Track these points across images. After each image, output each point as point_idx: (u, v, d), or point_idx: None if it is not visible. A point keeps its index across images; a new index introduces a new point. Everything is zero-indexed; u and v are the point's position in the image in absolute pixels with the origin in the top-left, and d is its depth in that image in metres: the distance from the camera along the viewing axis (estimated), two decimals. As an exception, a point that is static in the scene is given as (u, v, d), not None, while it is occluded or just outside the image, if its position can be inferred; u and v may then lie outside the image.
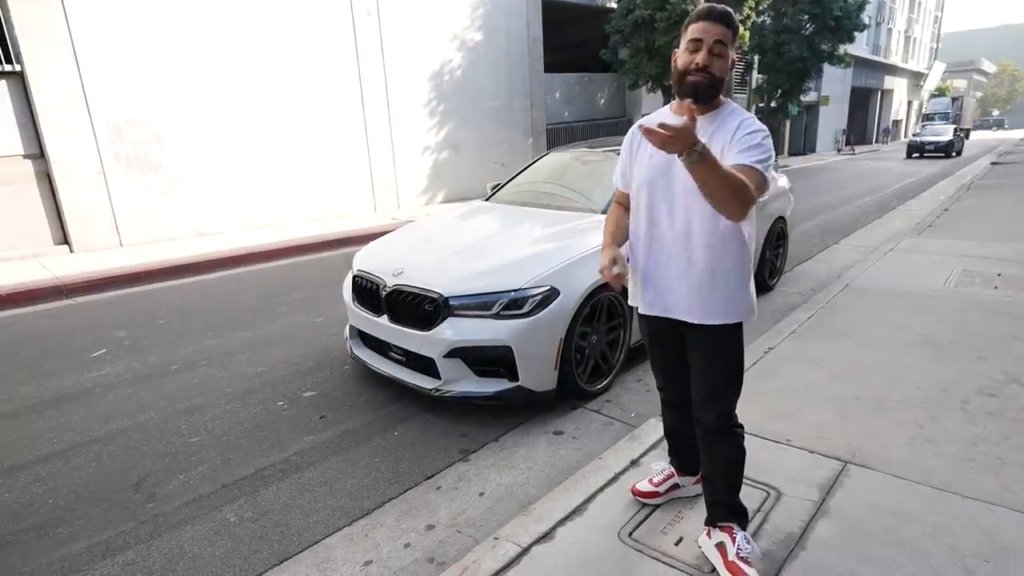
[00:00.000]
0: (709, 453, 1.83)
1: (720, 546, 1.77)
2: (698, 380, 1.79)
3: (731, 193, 1.41)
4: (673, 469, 2.12)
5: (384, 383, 3.42)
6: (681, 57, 1.63)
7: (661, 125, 1.27)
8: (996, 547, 1.82)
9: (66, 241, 7.99)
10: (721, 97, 1.68)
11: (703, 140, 1.48)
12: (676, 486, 2.11)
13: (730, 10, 1.61)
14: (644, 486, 2.13)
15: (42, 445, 2.95)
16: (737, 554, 1.72)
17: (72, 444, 2.95)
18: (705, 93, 1.61)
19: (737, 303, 1.72)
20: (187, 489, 2.53)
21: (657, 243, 1.74)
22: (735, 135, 1.60)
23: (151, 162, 8.53)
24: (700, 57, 1.58)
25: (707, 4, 1.64)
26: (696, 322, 1.72)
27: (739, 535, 1.76)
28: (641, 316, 1.89)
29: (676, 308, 1.74)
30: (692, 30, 1.60)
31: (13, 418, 3.28)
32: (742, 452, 1.82)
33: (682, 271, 1.71)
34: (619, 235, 1.91)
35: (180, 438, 2.97)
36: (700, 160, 1.33)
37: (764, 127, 1.63)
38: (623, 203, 1.94)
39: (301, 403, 3.29)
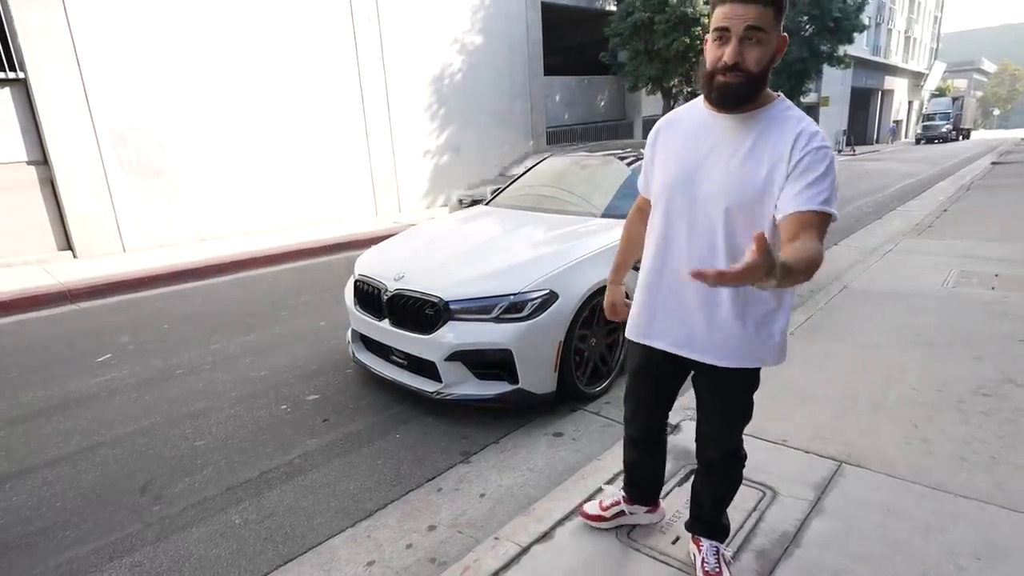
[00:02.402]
0: (707, 482, 1.76)
1: (694, 558, 1.79)
2: (708, 420, 1.65)
3: (808, 275, 1.12)
4: (624, 496, 1.99)
5: (386, 386, 3.46)
6: (708, 52, 1.32)
7: (729, 270, 0.96)
8: (988, 545, 1.85)
9: (70, 247, 8.05)
10: (769, 91, 1.36)
11: (735, 148, 1.32)
12: (622, 512, 1.98)
13: None
14: (592, 508, 2.03)
15: (49, 449, 3.00)
16: (703, 566, 1.74)
17: (79, 448, 2.99)
18: (736, 97, 1.31)
19: (763, 347, 1.45)
20: (192, 492, 2.57)
21: (670, 267, 1.49)
22: (794, 153, 1.27)
23: (153, 168, 8.60)
24: (728, 52, 1.26)
25: None
26: (715, 364, 1.48)
27: (706, 548, 1.76)
28: (632, 344, 1.66)
29: (690, 345, 1.50)
30: (716, 16, 1.28)
31: (20, 423, 3.32)
32: (739, 481, 1.74)
33: (701, 303, 1.45)
34: (630, 257, 1.74)
35: (185, 441, 3.01)
36: (784, 276, 1.02)
37: (825, 137, 1.31)
38: (644, 209, 1.67)
39: (304, 406, 3.33)
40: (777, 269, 0.99)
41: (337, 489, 2.53)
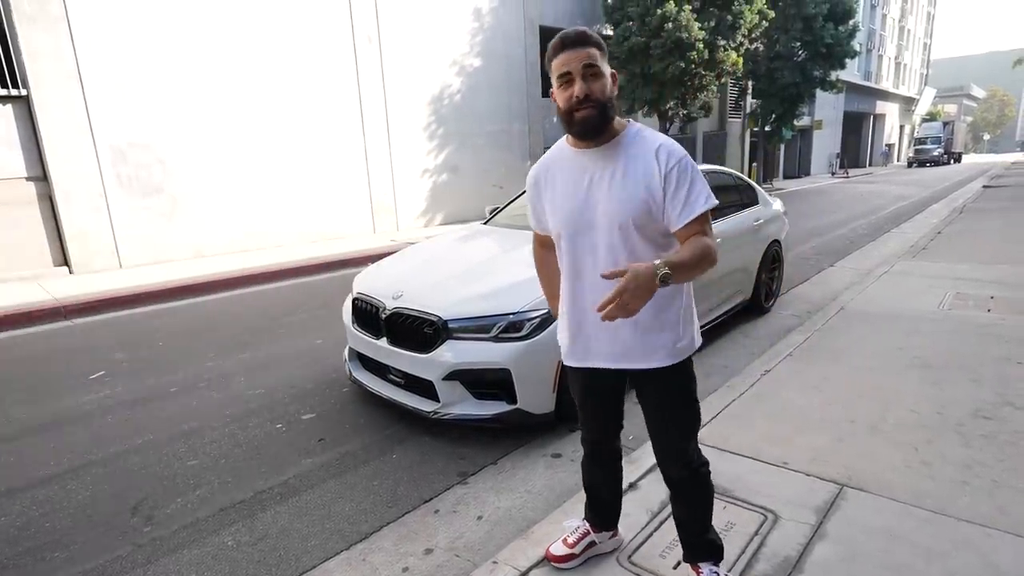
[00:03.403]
0: (679, 501, 1.79)
1: None
2: (657, 433, 1.71)
3: (703, 268, 1.40)
4: (588, 526, 1.97)
5: (383, 405, 3.43)
6: (558, 98, 1.48)
7: (615, 295, 1.25)
8: (991, 570, 1.83)
9: (66, 262, 8.03)
10: (617, 120, 1.53)
11: (611, 174, 1.47)
12: (593, 543, 1.96)
13: (585, 29, 1.46)
14: (559, 549, 1.95)
15: (39, 468, 2.95)
16: None
17: (70, 467, 2.94)
18: (596, 125, 1.47)
19: (680, 340, 1.61)
20: (185, 513, 2.52)
21: (585, 293, 1.61)
22: (660, 167, 1.47)
23: (153, 185, 8.62)
24: (577, 88, 1.43)
25: (558, 35, 1.46)
26: (640, 367, 1.62)
27: (706, 573, 1.76)
28: (573, 370, 1.75)
29: (625, 357, 1.62)
30: (556, 66, 1.45)
31: (11, 441, 3.27)
32: (710, 489, 1.76)
33: (619, 321, 1.50)
34: (555, 286, 1.78)
35: (178, 461, 2.96)
36: (672, 274, 1.29)
37: (679, 147, 1.52)
38: (546, 244, 1.81)
39: (300, 425, 3.30)
40: (659, 273, 1.26)
41: (332, 510, 2.49)
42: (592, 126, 1.47)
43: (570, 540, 1.97)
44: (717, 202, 1.51)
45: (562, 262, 1.66)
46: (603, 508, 1.97)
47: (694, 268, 1.39)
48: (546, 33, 14.36)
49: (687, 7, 13.70)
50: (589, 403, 1.81)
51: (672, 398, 1.67)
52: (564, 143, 1.63)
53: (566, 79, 1.45)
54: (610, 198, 1.51)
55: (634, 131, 1.54)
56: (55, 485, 2.78)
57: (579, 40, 1.43)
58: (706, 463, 1.75)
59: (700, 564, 1.79)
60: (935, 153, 36.95)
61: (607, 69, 1.48)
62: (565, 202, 1.58)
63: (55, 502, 2.64)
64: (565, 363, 1.77)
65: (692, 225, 1.48)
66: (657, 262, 1.30)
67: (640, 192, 1.48)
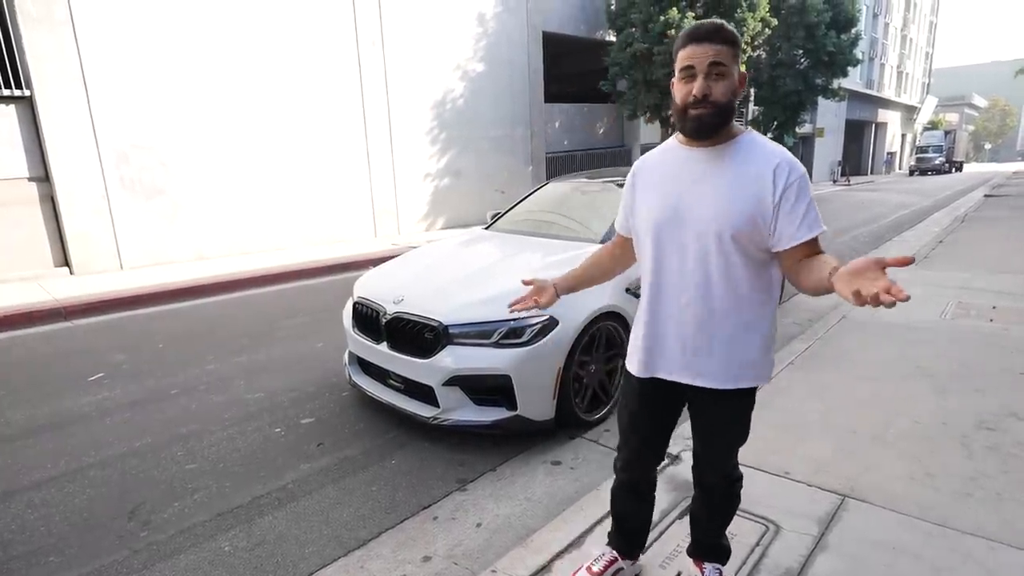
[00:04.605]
0: (703, 503, 1.78)
1: None
2: (707, 445, 1.68)
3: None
4: (616, 553, 1.88)
5: (382, 410, 3.42)
6: (676, 90, 1.42)
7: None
8: (997, 585, 1.81)
9: (67, 263, 8.03)
10: (736, 125, 1.46)
11: (717, 177, 1.41)
12: (621, 570, 1.87)
13: (722, 23, 1.37)
14: None
15: (36, 470, 2.93)
16: None
17: (66, 470, 2.93)
18: (711, 125, 1.39)
19: (759, 366, 1.52)
20: (182, 517, 2.51)
21: (666, 297, 1.53)
22: (777, 183, 1.37)
23: (155, 186, 8.63)
24: (697, 86, 1.36)
25: (694, 23, 1.41)
26: (710, 387, 1.52)
27: (709, 571, 1.77)
28: (631, 378, 1.66)
29: (686, 371, 1.53)
30: (681, 58, 1.39)
31: (8, 442, 3.26)
32: (737, 501, 1.76)
33: (697, 330, 1.49)
34: (587, 274, 1.79)
35: (176, 465, 2.95)
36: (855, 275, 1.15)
37: (799, 163, 1.42)
38: (614, 248, 1.78)
39: (299, 430, 3.28)
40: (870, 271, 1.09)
41: (330, 516, 2.48)
42: (706, 127, 1.39)
43: (595, 568, 1.85)
44: (826, 229, 1.41)
45: (644, 263, 1.57)
46: (631, 534, 1.89)
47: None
48: (549, 39, 14.40)
49: (690, 14, 13.75)
50: (641, 416, 1.68)
51: (731, 417, 1.60)
52: (674, 140, 1.54)
53: (688, 73, 1.37)
54: (711, 203, 1.42)
55: (749, 138, 1.45)
56: (52, 488, 2.76)
57: (711, 34, 1.34)
58: (741, 477, 1.75)
59: (705, 563, 1.80)
60: (937, 162, 36.92)
61: (736, 69, 1.38)
62: (660, 200, 1.50)
63: (51, 505, 2.62)
64: (628, 369, 1.67)
65: (813, 244, 1.38)
66: (836, 266, 1.20)
67: (749, 203, 1.38)
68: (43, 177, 7.78)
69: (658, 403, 1.65)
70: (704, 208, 1.42)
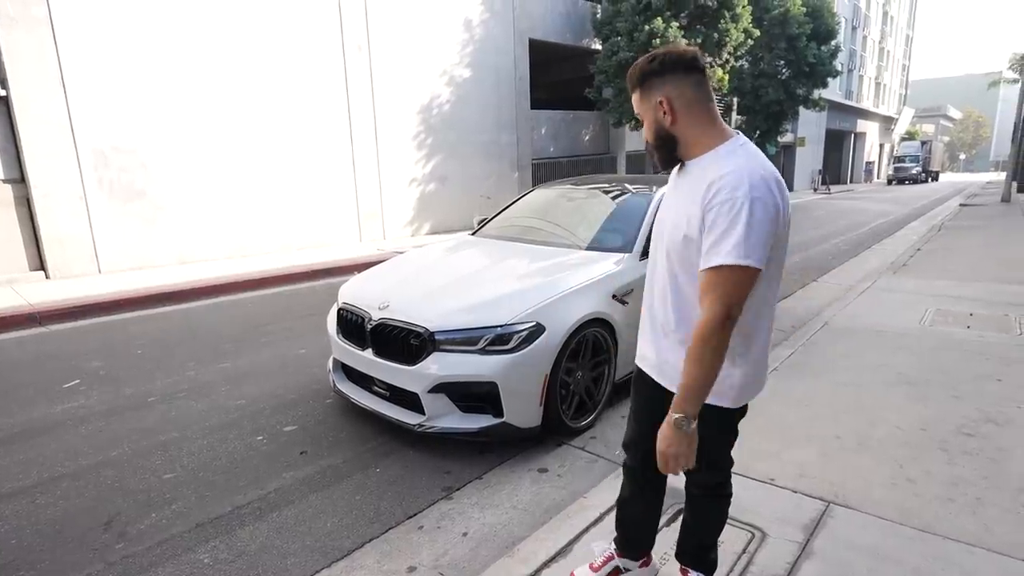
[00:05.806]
0: (692, 511, 1.78)
1: None
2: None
3: (710, 364, 1.30)
4: (615, 549, 1.90)
5: (367, 418, 3.37)
6: None
7: (660, 463, 1.40)
8: (978, 590, 1.83)
9: (42, 267, 7.84)
10: (722, 133, 1.42)
11: (680, 194, 1.45)
12: (618, 569, 1.88)
13: (633, 66, 1.49)
14: (583, 573, 1.90)
15: (6, 481, 2.84)
16: None
17: (39, 480, 2.84)
18: (661, 160, 1.53)
19: (723, 384, 1.42)
20: (159, 529, 2.44)
21: (647, 296, 1.65)
22: (705, 201, 1.32)
23: (136, 189, 8.47)
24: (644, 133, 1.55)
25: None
26: (669, 388, 1.50)
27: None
28: (636, 370, 1.75)
29: (658, 369, 1.58)
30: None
31: (-22, 452, 3.16)
32: (723, 516, 1.76)
33: (660, 331, 1.55)
34: None
35: (154, 474, 2.88)
36: (686, 412, 1.33)
37: (749, 183, 1.27)
38: None
39: (281, 438, 3.23)
40: (684, 426, 1.33)
41: (313, 526, 2.43)
42: (660, 162, 1.54)
43: (596, 564, 1.90)
44: (750, 264, 1.24)
45: None
46: (633, 530, 1.87)
47: (700, 377, 1.29)
48: (536, 46, 14.47)
49: (674, 24, 13.92)
50: (637, 399, 1.74)
51: (702, 433, 1.41)
52: (675, 173, 1.64)
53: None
54: (666, 219, 1.53)
55: (727, 149, 1.38)
56: (23, 499, 2.68)
57: (629, 82, 1.51)
58: (729, 495, 1.73)
59: (690, 570, 1.80)
60: (914, 171, 37.83)
61: (652, 102, 1.44)
62: (660, 213, 1.63)
63: (23, 517, 2.54)
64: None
65: (707, 277, 1.29)
66: (672, 414, 1.34)
67: (683, 220, 1.40)
68: (19, 179, 7.60)
69: (645, 390, 1.67)
70: (662, 224, 1.56)
